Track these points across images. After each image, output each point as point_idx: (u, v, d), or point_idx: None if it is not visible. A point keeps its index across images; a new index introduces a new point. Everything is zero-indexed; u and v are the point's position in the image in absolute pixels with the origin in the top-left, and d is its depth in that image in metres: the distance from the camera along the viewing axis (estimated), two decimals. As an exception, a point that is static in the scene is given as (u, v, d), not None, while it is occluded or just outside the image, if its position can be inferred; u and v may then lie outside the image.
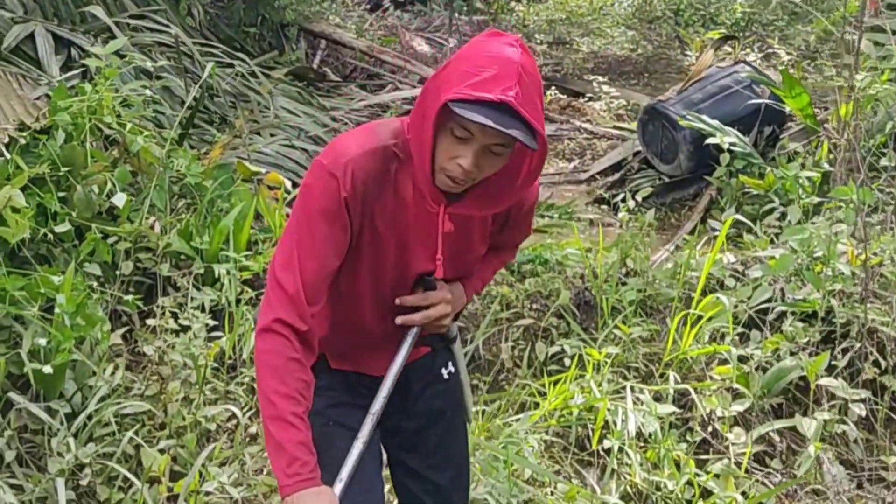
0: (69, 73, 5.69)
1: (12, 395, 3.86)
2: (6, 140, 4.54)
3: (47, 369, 3.75)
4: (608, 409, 3.92)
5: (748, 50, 10.76)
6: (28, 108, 4.92)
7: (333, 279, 2.47)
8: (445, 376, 2.87)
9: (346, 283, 2.53)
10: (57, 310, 3.92)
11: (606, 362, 4.16)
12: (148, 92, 5.49)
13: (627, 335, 4.35)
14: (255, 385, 2.83)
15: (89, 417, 3.91)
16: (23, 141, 4.56)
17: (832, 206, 5.18)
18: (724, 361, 4.25)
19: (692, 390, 4.01)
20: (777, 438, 4.18)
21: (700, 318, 4.38)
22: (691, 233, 6.49)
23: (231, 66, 7.24)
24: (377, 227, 2.46)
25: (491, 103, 2.19)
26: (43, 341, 3.86)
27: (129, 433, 3.86)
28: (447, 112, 2.23)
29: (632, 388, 4.05)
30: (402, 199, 2.46)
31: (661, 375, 4.30)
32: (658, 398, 4.08)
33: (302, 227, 2.42)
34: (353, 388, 2.71)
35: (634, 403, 3.95)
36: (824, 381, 3.98)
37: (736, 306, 4.48)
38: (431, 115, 2.27)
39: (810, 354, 4.15)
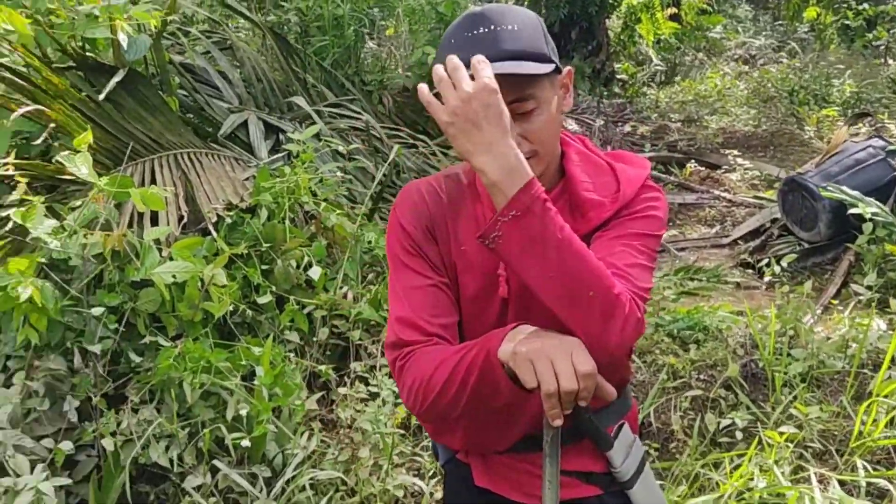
0: (275, 156, 5.19)
1: (216, 462, 3.30)
2: (215, 219, 4.03)
3: (245, 443, 3.17)
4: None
5: (860, 124, 9.72)
6: (237, 188, 4.40)
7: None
8: None
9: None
10: (256, 382, 3.35)
11: (788, 446, 3.31)
12: (339, 173, 4.94)
13: (805, 415, 3.50)
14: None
15: (287, 482, 3.33)
16: (229, 220, 4.05)
17: None
18: (905, 443, 3.37)
19: (889, 482, 3.11)
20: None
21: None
22: (835, 296, 5.61)
23: (415, 146, 6.67)
24: (461, 249, 1.71)
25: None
26: (244, 411, 3.30)
27: (324, 500, 3.26)
28: None
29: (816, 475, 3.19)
30: (482, 215, 1.71)
31: (841, 455, 3.43)
32: (842, 483, 3.22)
33: (394, 273, 1.74)
34: None
35: (821, 490, 3.09)
36: None
37: (911, 383, 3.58)
38: None
39: None
